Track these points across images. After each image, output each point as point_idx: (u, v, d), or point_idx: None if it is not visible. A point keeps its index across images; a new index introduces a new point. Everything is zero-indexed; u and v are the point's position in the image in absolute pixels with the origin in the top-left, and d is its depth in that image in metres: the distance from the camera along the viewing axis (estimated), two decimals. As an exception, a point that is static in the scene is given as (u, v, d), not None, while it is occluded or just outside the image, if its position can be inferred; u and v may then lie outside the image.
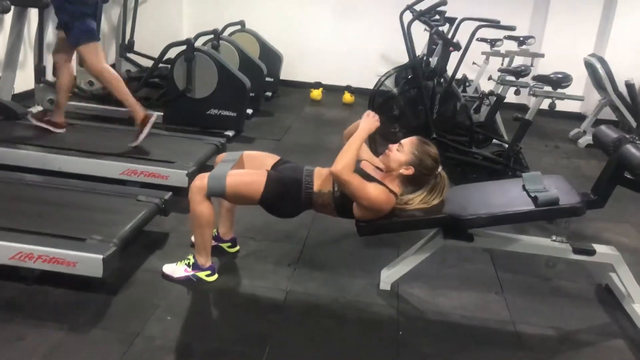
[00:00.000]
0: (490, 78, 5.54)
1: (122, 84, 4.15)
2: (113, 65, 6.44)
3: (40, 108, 4.79)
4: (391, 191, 2.76)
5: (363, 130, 2.78)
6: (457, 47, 3.97)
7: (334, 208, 2.86)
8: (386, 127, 3.57)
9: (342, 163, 2.66)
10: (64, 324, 2.53)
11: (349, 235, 3.42)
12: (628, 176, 2.71)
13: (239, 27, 6.72)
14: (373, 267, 3.20)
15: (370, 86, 7.21)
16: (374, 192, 2.71)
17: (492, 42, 6.00)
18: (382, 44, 7.29)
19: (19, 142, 4.03)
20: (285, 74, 7.04)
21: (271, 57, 6.57)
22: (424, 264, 2.98)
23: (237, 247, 3.28)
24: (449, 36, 4.78)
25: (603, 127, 2.97)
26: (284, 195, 2.85)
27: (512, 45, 5.85)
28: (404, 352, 2.57)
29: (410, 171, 2.75)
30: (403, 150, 2.77)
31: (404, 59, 6.40)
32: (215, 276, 2.97)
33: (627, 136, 2.74)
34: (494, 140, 5.12)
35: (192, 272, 2.95)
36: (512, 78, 4.76)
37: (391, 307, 2.90)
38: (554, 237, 2.92)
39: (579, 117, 6.56)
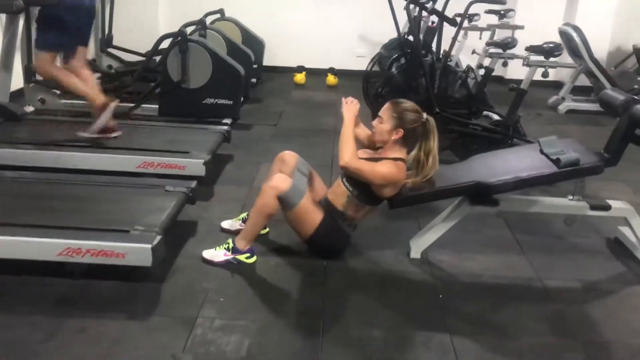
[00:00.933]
0: (474, 52, 5.72)
1: (73, 78, 4.05)
2: (94, 61, 6.42)
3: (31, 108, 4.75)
4: (397, 159, 2.94)
5: (347, 118, 2.98)
6: (453, 23, 4.12)
7: (365, 204, 3.02)
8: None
9: (346, 154, 2.85)
10: (121, 314, 2.59)
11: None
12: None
13: (218, 15, 6.72)
14: (398, 239, 3.36)
15: (352, 67, 7.40)
16: (383, 168, 2.90)
17: (470, 17, 6.17)
18: (360, 26, 7.43)
19: (28, 143, 4.01)
20: (267, 59, 7.10)
21: (254, 43, 6.62)
22: (448, 233, 3.16)
23: (267, 229, 3.37)
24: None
25: (608, 91, 3.17)
26: (330, 234, 3.04)
27: (491, 19, 6.03)
28: (449, 313, 2.73)
29: (400, 133, 2.92)
30: (384, 120, 2.94)
31: (382, 39, 6.60)
32: (255, 258, 3.07)
33: (635, 97, 2.94)
34: (484, 112, 5.31)
35: (232, 256, 3.04)
36: (500, 50, 4.94)
37: (425, 273, 3.06)
38: (570, 197, 3.11)
39: (554, 85, 6.82)
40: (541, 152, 3.05)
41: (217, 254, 3.06)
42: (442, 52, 6.33)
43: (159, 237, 2.81)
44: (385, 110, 2.96)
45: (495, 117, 5.11)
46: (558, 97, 6.44)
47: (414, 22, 4.35)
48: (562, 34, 6.08)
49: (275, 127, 5.40)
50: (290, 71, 7.21)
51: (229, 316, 2.64)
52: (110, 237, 2.79)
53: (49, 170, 3.69)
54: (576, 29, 5.90)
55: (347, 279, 3.00)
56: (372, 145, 3.12)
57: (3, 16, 4.38)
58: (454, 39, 4.40)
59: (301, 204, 2.96)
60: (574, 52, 6.15)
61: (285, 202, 2.95)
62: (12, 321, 2.49)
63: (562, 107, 6.24)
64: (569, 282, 3.03)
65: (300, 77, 7.02)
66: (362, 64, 7.31)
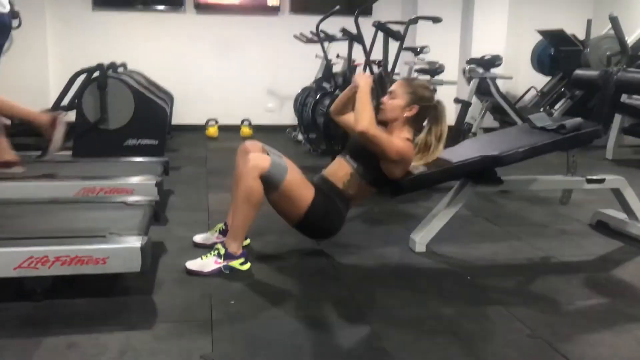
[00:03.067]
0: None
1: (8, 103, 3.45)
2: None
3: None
4: (405, 139, 2.73)
5: (363, 86, 2.70)
6: (398, 37, 4.11)
7: (367, 184, 2.74)
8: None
9: (365, 119, 2.58)
10: (116, 326, 2.06)
11: (351, 217, 3.31)
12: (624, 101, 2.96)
13: (122, 68, 6.30)
14: (392, 238, 3.12)
15: (263, 121, 7.22)
16: (398, 141, 2.67)
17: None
18: (267, 81, 7.30)
19: None
20: (175, 117, 6.71)
21: (164, 95, 6.23)
22: (440, 230, 2.94)
23: (248, 240, 2.94)
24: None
25: (579, 71, 3.25)
26: (326, 211, 2.70)
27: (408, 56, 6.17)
28: (487, 290, 2.49)
29: (414, 110, 2.73)
30: (397, 95, 2.76)
31: (290, 93, 6.53)
32: (249, 264, 2.64)
33: (607, 69, 3.02)
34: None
35: (224, 263, 2.59)
36: (428, 77, 5.02)
37: (439, 262, 2.81)
38: (568, 174, 3.07)
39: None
40: (534, 127, 2.99)
41: (206, 262, 2.59)
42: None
43: (145, 237, 2.32)
44: (399, 86, 2.76)
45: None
46: (471, 134, 6.64)
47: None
48: (470, 71, 6.35)
49: (205, 167, 4.99)
50: (199, 129, 6.85)
51: (250, 315, 2.19)
52: (84, 242, 2.25)
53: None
54: (496, 56, 6.11)
55: (360, 273, 2.67)
56: None
57: None
58: (397, 57, 4.38)
59: (288, 178, 2.59)
60: (480, 89, 6.42)
61: (269, 181, 2.56)
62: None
63: (477, 141, 6.43)
64: (582, 256, 2.93)
65: (213, 130, 6.68)
66: (272, 119, 7.25)
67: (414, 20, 4.38)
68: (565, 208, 3.69)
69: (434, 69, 4.99)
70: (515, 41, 7.41)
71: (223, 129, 6.84)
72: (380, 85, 3.49)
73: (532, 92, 7.11)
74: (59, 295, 2.24)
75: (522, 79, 7.25)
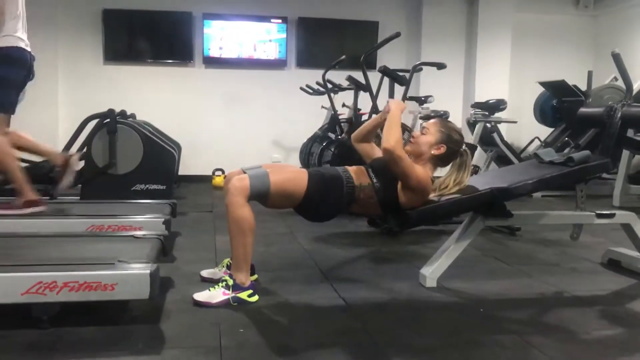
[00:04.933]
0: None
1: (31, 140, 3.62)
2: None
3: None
4: (428, 174, 2.75)
5: (395, 110, 2.74)
6: (402, 82, 4.19)
7: (376, 201, 2.73)
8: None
9: (394, 138, 2.60)
10: (122, 352, 2.02)
11: (358, 256, 3.32)
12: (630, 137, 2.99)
13: (131, 119, 6.40)
14: (401, 273, 3.10)
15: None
16: (421, 170, 2.68)
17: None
18: (273, 132, 7.41)
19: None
20: (181, 168, 6.76)
21: (173, 144, 6.30)
22: (448, 268, 2.90)
23: (256, 275, 2.91)
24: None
25: (583, 109, 3.29)
26: (328, 191, 2.67)
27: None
28: (501, 321, 2.45)
29: (442, 149, 2.76)
30: (429, 132, 2.79)
31: (296, 144, 6.60)
32: (257, 297, 2.60)
33: (615, 103, 3.06)
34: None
35: (232, 294, 2.55)
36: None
37: (450, 297, 2.76)
38: (578, 209, 3.07)
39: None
40: (542, 162, 3.01)
41: (214, 294, 2.56)
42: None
43: (154, 265, 2.30)
44: (433, 124, 2.81)
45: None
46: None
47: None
48: (473, 123, 6.44)
49: (211, 213, 4.99)
50: (205, 179, 6.90)
51: (260, 343, 2.14)
52: (93, 268, 2.24)
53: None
54: (500, 100, 6.18)
55: (371, 307, 2.61)
56: None
57: None
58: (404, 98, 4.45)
59: (272, 181, 2.56)
60: (483, 139, 6.49)
61: (257, 194, 2.55)
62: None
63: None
64: (596, 291, 2.88)
65: (219, 180, 6.71)
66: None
67: (419, 67, 4.48)
68: (575, 248, 3.66)
69: (439, 115, 5.06)
70: (518, 92, 7.55)
71: (229, 178, 6.87)
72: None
73: (536, 143, 7.17)
74: (65, 323, 2.20)
75: (525, 129, 7.32)
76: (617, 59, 2.89)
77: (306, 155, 6.10)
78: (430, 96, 6.06)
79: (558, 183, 2.83)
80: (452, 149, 2.79)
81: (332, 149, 5.24)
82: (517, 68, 7.58)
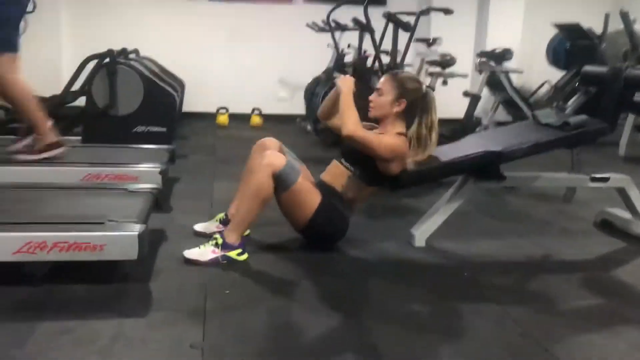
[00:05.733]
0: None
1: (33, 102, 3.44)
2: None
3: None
4: (399, 134, 2.73)
5: (346, 89, 2.71)
6: (407, 28, 4.08)
7: (365, 185, 2.77)
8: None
9: (350, 123, 2.61)
10: (110, 313, 2.09)
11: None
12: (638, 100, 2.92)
13: (134, 55, 6.32)
14: (391, 232, 3.12)
15: (274, 111, 7.22)
16: (389, 139, 2.68)
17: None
18: (279, 70, 7.30)
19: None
20: (185, 104, 6.73)
21: (175, 82, 6.24)
22: (440, 226, 2.92)
23: (248, 231, 2.95)
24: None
25: (588, 67, 3.20)
26: (331, 217, 2.74)
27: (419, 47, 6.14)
28: (483, 287, 2.49)
29: (403, 104, 2.73)
30: (384, 92, 2.75)
31: (302, 82, 6.51)
32: (246, 255, 2.65)
33: (621, 65, 2.98)
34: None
35: (221, 253, 2.60)
36: (439, 69, 4.99)
37: (437, 258, 2.80)
38: (572, 172, 3.05)
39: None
40: (539, 123, 2.97)
41: (204, 252, 2.61)
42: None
43: (143, 226, 2.34)
44: (385, 82, 2.76)
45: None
46: (481, 127, 6.60)
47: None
48: (482, 65, 6.29)
49: (213, 156, 5.01)
50: (209, 117, 6.87)
51: (243, 305, 2.20)
52: (82, 229, 2.28)
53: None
54: (507, 49, 6.05)
55: (357, 266, 2.67)
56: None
57: None
58: (406, 48, 4.34)
59: (299, 182, 2.63)
60: (492, 83, 6.37)
61: (280, 181, 2.59)
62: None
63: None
64: (583, 255, 2.91)
65: (223, 118, 6.70)
66: (284, 108, 7.24)
67: (426, 12, 4.35)
68: (570, 206, 3.65)
69: (445, 61, 4.96)
70: (531, 34, 7.31)
71: (233, 117, 6.86)
72: (362, 81, 3.35)
73: (546, 87, 7.03)
74: (56, 280, 2.28)
75: (537, 72, 7.15)
76: (625, 18, 2.78)
77: (310, 96, 6.03)
78: (438, 38, 5.92)
79: (553, 147, 2.79)
80: (413, 98, 2.73)
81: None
82: (532, 11, 7.31)
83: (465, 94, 4.22)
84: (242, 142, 5.67)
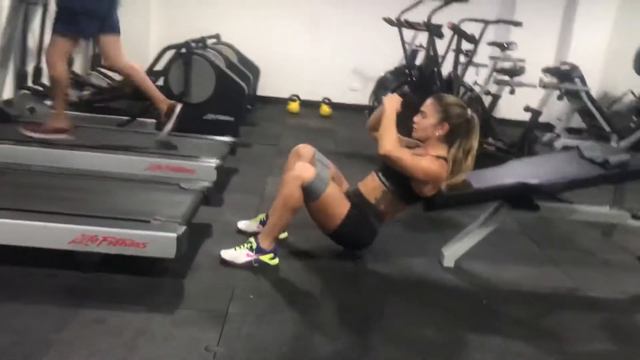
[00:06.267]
0: (475, 83, 5.72)
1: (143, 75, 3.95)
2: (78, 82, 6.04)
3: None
4: (439, 157, 2.79)
5: (390, 109, 2.82)
6: (472, 40, 4.09)
7: (400, 200, 2.87)
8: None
9: (388, 142, 2.71)
10: (142, 306, 2.33)
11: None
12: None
13: (215, 40, 6.61)
14: (424, 248, 3.21)
15: (344, 100, 7.35)
16: (425, 162, 2.75)
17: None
18: (354, 60, 7.38)
19: (25, 141, 3.71)
20: (260, 89, 6.98)
21: (250, 69, 6.49)
22: (475, 246, 2.98)
23: (286, 234, 3.14)
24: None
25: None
26: (358, 227, 2.87)
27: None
28: (498, 318, 2.55)
29: (445, 128, 2.78)
30: (428, 115, 2.81)
31: (375, 73, 6.55)
32: (277, 260, 2.83)
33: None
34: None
35: (255, 256, 2.80)
36: (507, 78, 4.93)
37: (463, 281, 2.87)
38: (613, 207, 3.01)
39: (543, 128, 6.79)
40: (582, 157, 2.95)
41: (238, 254, 2.81)
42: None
43: (183, 227, 2.56)
44: (429, 105, 2.83)
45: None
46: (553, 134, 6.44)
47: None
48: (560, 73, 6.11)
49: (276, 146, 5.22)
50: (282, 102, 7.09)
51: (263, 312, 2.39)
52: (129, 226, 2.53)
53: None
54: (573, 67, 5.93)
55: (381, 282, 2.81)
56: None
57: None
58: (470, 60, 4.35)
59: (327, 192, 2.77)
60: (569, 91, 6.18)
61: (309, 192, 2.74)
62: (20, 310, 2.20)
63: (558, 144, 6.22)
64: (613, 294, 2.90)
65: (294, 106, 6.90)
66: (354, 98, 7.34)
67: (494, 22, 4.32)
68: (621, 234, 3.56)
69: (514, 70, 4.89)
70: (621, 40, 6.99)
71: (305, 104, 7.04)
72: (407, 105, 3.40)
73: (629, 96, 6.73)
74: (105, 269, 2.54)
75: (622, 81, 6.85)
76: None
77: (380, 89, 6.11)
78: (513, 43, 5.80)
79: (592, 184, 2.78)
80: (455, 124, 2.79)
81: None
82: (625, 15, 6.98)
83: (526, 109, 4.17)
84: (308, 133, 5.88)
